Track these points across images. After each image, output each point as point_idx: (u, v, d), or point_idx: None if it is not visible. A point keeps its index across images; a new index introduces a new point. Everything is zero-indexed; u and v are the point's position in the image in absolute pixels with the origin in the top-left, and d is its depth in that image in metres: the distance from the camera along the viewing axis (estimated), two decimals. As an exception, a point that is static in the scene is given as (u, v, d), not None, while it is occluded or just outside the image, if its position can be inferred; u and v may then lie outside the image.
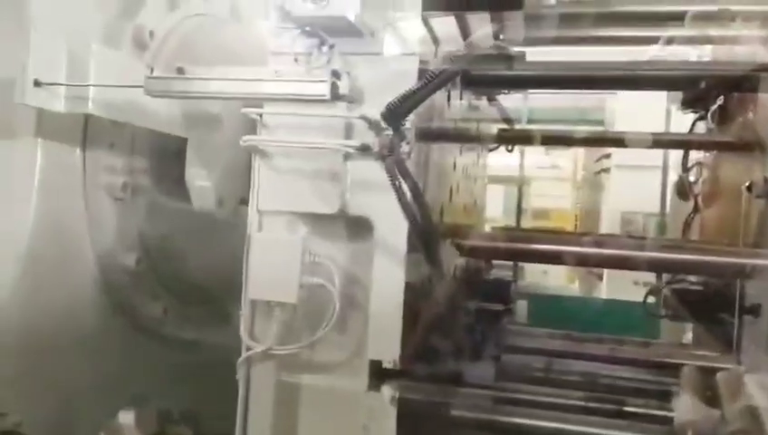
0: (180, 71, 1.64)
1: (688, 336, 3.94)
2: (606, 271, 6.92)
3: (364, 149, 1.53)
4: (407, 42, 1.66)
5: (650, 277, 5.37)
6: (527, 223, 9.09)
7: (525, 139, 4.20)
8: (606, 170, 7.36)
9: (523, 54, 2.66)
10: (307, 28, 1.57)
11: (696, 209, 3.37)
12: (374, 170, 1.48)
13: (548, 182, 10.22)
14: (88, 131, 1.91)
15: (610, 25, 3.39)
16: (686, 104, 3.21)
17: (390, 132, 1.48)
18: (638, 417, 1.87)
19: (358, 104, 1.59)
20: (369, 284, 1.61)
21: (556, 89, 5.23)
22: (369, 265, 1.61)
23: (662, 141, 3.51)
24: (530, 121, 7.11)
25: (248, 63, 1.69)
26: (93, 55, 1.71)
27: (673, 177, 6.32)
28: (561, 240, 1.97)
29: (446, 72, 1.50)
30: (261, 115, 1.64)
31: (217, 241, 1.96)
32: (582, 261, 2.04)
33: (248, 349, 1.66)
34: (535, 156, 8.64)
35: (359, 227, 1.64)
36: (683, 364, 2.33)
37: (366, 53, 1.60)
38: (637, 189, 6.76)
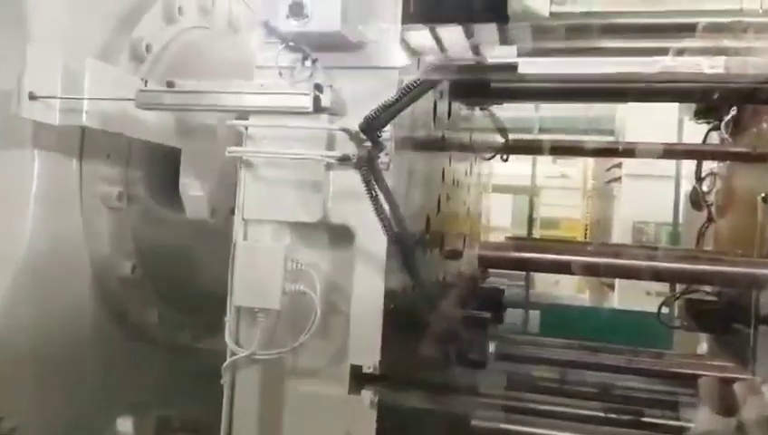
0: (170, 84, 1.69)
1: (702, 347, 3.93)
2: (617, 281, 6.90)
3: (344, 160, 1.57)
4: (393, 53, 1.67)
5: (663, 287, 5.37)
6: (536, 233, 9.08)
7: (536, 148, 4.21)
8: (617, 180, 7.34)
9: (509, 65, 2.71)
10: (290, 43, 1.61)
11: (709, 219, 3.37)
12: (355, 180, 1.51)
13: (557, 191, 10.21)
14: (85, 142, 1.95)
15: (620, 37, 3.40)
16: (700, 114, 3.22)
17: (369, 144, 1.52)
18: (655, 427, 1.87)
19: (340, 116, 1.63)
20: (351, 290, 1.65)
21: (568, 101, 5.25)
22: (351, 273, 1.65)
23: (675, 152, 3.52)
24: (540, 131, 7.12)
25: (245, 76, 1.73)
26: (88, 69, 1.75)
27: (686, 186, 6.32)
28: (575, 250, 1.98)
29: (423, 84, 1.54)
30: (246, 127, 1.69)
31: (211, 249, 1.98)
32: (597, 271, 2.04)
33: (233, 354, 1.71)
34: (543, 165, 8.64)
35: (341, 236, 1.67)
36: (699, 375, 2.32)
37: (348, 66, 1.64)
38: (649, 199, 6.74)
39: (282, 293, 1.64)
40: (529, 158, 7.95)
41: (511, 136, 3.74)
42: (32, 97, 1.66)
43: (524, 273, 8.44)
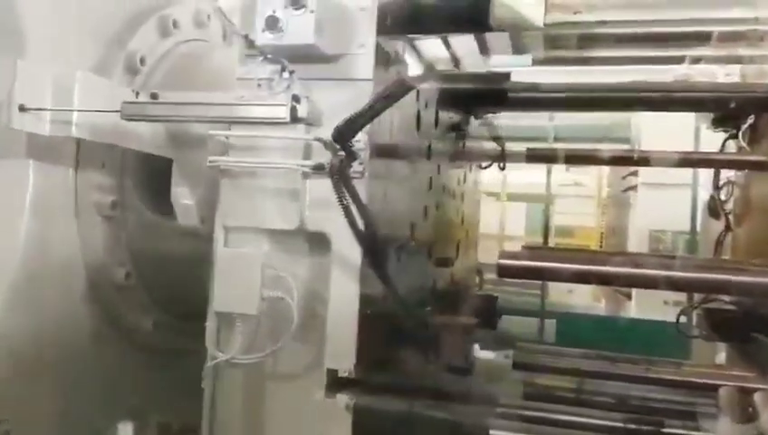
0: (154, 96, 1.75)
1: (720, 357, 3.90)
2: (635, 290, 6.86)
3: (318, 169, 1.62)
4: (369, 65, 1.72)
5: (680, 297, 5.33)
6: (550, 241, 9.04)
7: (551, 157, 4.20)
8: (633, 188, 7.31)
9: (502, 74, 2.77)
10: (268, 56, 1.68)
11: (727, 228, 3.35)
12: (331, 189, 1.56)
13: (571, 200, 10.18)
14: (80, 152, 2.01)
15: (635, 46, 3.41)
16: (717, 123, 3.20)
17: (342, 153, 1.57)
18: (676, 438, 1.86)
19: (317, 126, 1.67)
20: (327, 296, 1.69)
21: (584, 110, 5.25)
22: (328, 279, 1.70)
23: (692, 160, 3.50)
24: (555, 140, 7.11)
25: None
26: (77, 81, 1.80)
27: (703, 194, 6.28)
28: (596, 259, 1.98)
29: (393, 94, 1.59)
30: (227, 137, 1.74)
31: (203, 256, 2.03)
32: (619, 281, 2.04)
33: (214, 358, 1.76)
34: (556, 173, 8.62)
35: (317, 242, 1.72)
36: (719, 385, 2.31)
37: (325, 78, 1.69)
38: (665, 207, 6.71)
39: (260, 299, 1.70)
40: (541, 166, 7.94)
41: (526, 145, 3.74)
42: (21, 109, 1.72)
43: (534, 281, 8.46)
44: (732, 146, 3.31)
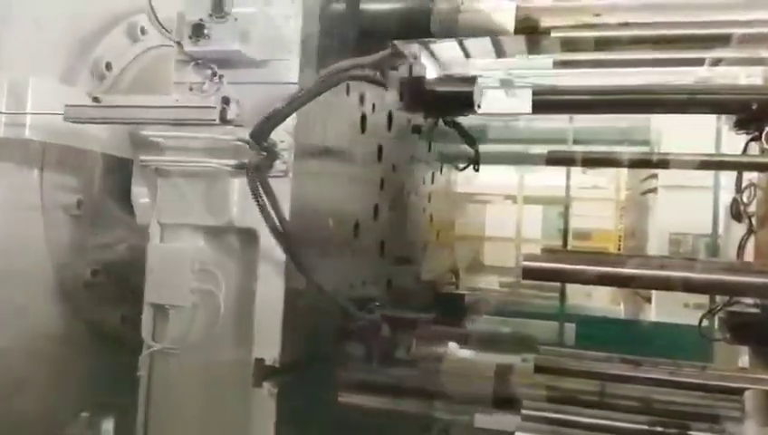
0: (95, 99, 1.82)
1: (743, 360, 3.87)
2: (655, 293, 6.82)
3: (240, 168, 1.71)
4: (295, 70, 1.82)
5: (701, 299, 5.29)
6: (567, 245, 9.00)
7: (571, 160, 4.19)
8: (653, 190, 7.26)
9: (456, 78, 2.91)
10: (199, 61, 1.78)
11: (750, 231, 3.32)
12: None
13: (588, 203, 10.12)
14: (46, 153, 2.08)
15: (655, 48, 3.39)
16: (739, 125, 3.18)
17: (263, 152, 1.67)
18: (702, 441, 1.85)
19: (247, 128, 1.73)
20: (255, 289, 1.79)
21: (604, 112, 5.23)
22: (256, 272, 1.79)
23: (713, 163, 3.48)
24: (574, 142, 7.08)
25: None
26: (31, 85, 1.90)
27: (724, 197, 6.23)
28: (619, 262, 1.98)
29: (305, 93, 1.67)
30: (162, 137, 1.83)
31: None
32: (643, 283, 2.04)
33: (148, 347, 1.86)
34: (574, 175, 8.57)
35: (248, 238, 1.80)
36: (745, 388, 2.29)
37: (253, 82, 1.78)
38: (686, 210, 6.66)
39: (190, 291, 1.81)
40: (557, 169, 7.92)
41: (545, 147, 3.74)
42: None
43: (551, 285, 8.43)
44: (754, 148, 3.29)
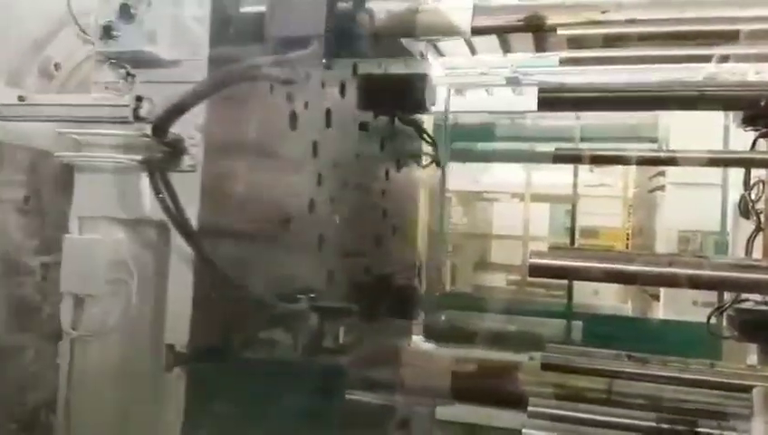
0: (21, 98, 1.91)
1: (752, 358, 3.85)
2: (663, 291, 6.79)
3: (145, 163, 1.79)
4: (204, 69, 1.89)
5: (710, 297, 5.27)
6: (575, 242, 8.98)
7: (579, 157, 4.18)
8: (661, 188, 7.23)
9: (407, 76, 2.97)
10: (112, 60, 1.88)
11: (758, 228, 3.31)
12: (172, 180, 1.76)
13: (596, 200, 10.08)
14: None
15: (662, 45, 3.38)
16: (747, 121, 3.17)
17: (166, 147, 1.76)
18: (711, 439, 1.85)
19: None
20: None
21: (613, 109, 5.21)
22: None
23: (722, 160, 3.47)
24: (582, 140, 7.06)
25: None
26: None
27: (733, 194, 6.20)
28: (628, 259, 1.97)
29: (197, 92, 1.74)
30: (78, 134, 1.91)
31: None
32: (649, 280, 2.03)
33: (67, 335, 1.94)
34: (581, 173, 8.55)
35: (160, 231, 1.88)
36: (753, 386, 2.29)
37: (165, 81, 1.85)
38: (694, 208, 6.63)
39: (103, 281, 1.89)
40: (564, 166, 7.90)
41: (552, 145, 3.74)
42: None
43: (558, 284, 8.42)
44: (763, 145, 3.27)
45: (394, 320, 3.29)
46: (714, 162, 3.35)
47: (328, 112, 2.59)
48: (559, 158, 3.47)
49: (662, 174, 7.11)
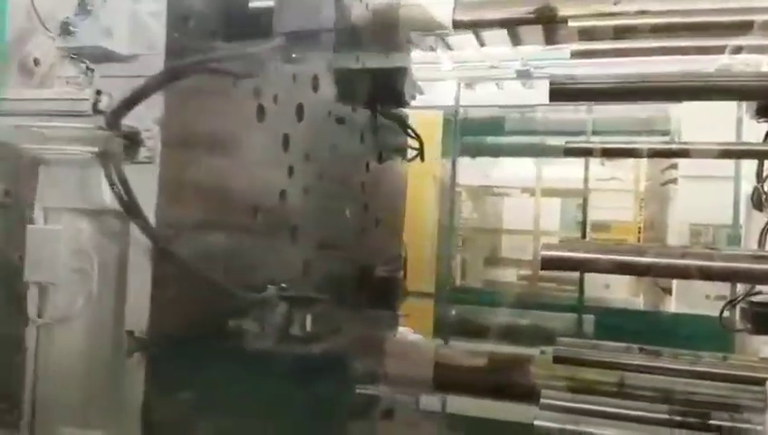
0: None
1: (765, 351, 3.83)
2: (675, 285, 6.76)
3: (99, 155, 1.84)
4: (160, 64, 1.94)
5: (723, 290, 5.24)
6: (586, 237, 8.93)
7: (590, 151, 4.16)
8: (673, 181, 7.18)
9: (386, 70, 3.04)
10: (73, 56, 1.94)
11: (772, 220, 3.28)
12: (129, 172, 1.83)
13: (607, 194, 10.02)
14: None
15: (674, 36, 3.35)
16: (761, 113, 3.14)
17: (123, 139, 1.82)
18: (724, 431, 1.84)
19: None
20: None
21: (625, 101, 5.19)
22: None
23: (735, 152, 3.44)
24: (593, 134, 7.03)
25: None
26: None
27: (746, 187, 6.14)
28: (641, 251, 1.96)
29: (148, 85, 1.81)
30: (41, 128, 1.96)
31: None
32: (661, 271, 2.02)
33: (33, 322, 2.01)
34: (591, 167, 8.49)
35: (120, 220, 1.94)
36: (766, 378, 2.27)
37: (124, 75, 1.91)
38: (706, 200, 6.58)
39: (65, 270, 1.95)
40: (575, 160, 7.87)
41: (563, 139, 3.72)
42: None
43: (570, 278, 8.38)
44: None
45: (376, 310, 3.38)
46: (726, 154, 3.33)
47: (300, 106, 2.64)
48: (570, 151, 3.46)
49: (674, 167, 7.07)
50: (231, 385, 2.21)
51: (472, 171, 9.35)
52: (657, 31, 3.11)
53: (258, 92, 2.34)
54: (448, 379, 3.09)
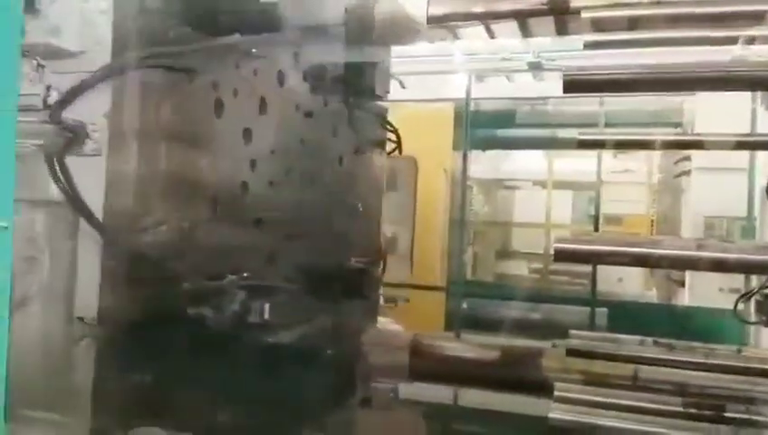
0: None
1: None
2: (689, 278, 6.71)
3: (43, 148, 1.90)
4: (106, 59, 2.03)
5: (736, 283, 5.20)
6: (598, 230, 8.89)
7: (603, 143, 4.14)
8: (686, 173, 7.13)
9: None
10: (26, 52, 1.96)
11: (787, 212, 3.26)
12: (78, 164, 1.90)
13: (619, 187, 9.97)
14: None
15: (687, 26, 3.32)
16: (776, 103, 3.11)
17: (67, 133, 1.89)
18: (738, 422, 1.83)
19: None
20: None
21: (641, 91, 5.13)
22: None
23: (749, 143, 3.41)
24: (606, 126, 6.98)
25: None
26: None
27: (759, 179, 6.09)
28: (655, 243, 1.95)
29: (89, 79, 1.88)
30: None
31: None
32: (675, 264, 2.01)
33: None
34: (604, 159, 8.44)
35: (71, 211, 1.99)
36: (782, 371, 2.26)
37: (73, 71, 1.97)
38: (720, 192, 6.53)
39: (18, 258, 1.95)
40: (587, 153, 7.82)
41: (575, 131, 3.70)
42: None
43: (582, 271, 8.36)
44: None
45: (350, 301, 3.45)
46: (740, 145, 3.29)
47: (263, 100, 2.69)
48: (583, 143, 3.44)
49: (687, 159, 7.01)
50: (182, 370, 2.27)
51: (483, 165, 9.33)
52: (670, 21, 3.08)
53: (216, 87, 2.39)
54: (424, 368, 3.13)
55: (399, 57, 7.32)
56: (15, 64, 1.61)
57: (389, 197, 7.51)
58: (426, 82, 8.11)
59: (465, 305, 7.58)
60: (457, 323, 7.43)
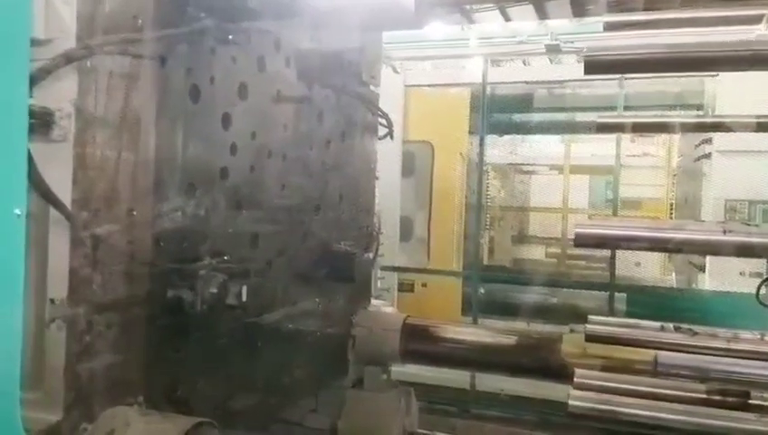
0: None
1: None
2: (709, 262, 6.64)
3: None
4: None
5: (758, 268, 5.13)
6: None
7: (622, 127, 4.08)
8: (707, 156, 7.02)
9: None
10: None
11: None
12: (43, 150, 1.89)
13: (637, 171, 9.85)
14: None
15: (707, 6, 3.25)
16: (801, 84, 3.04)
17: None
18: (765, 410, 1.80)
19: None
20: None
21: (663, 72, 5.05)
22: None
23: (773, 124, 3.34)
24: (625, 109, 6.88)
25: None
26: None
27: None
28: (676, 227, 1.91)
29: (49, 64, 1.88)
30: None
31: None
32: (697, 248, 1.97)
33: None
34: (622, 143, 8.33)
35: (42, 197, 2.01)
36: (807, 357, 2.22)
37: (42, 59, 1.95)
38: (742, 176, 6.44)
39: None
40: (604, 137, 7.73)
41: (594, 115, 3.65)
42: None
43: (600, 255, 8.28)
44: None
45: (339, 284, 3.52)
46: (763, 127, 3.23)
47: (242, 86, 2.71)
48: (602, 127, 3.39)
49: (708, 142, 6.90)
50: (154, 351, 2.33)
51: (500, 149, 9.27)
52: (688, 1, 3.02)
53: (191, 73, 2.41)
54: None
55: (415, 42, 7.30)
56: (25, 58, 1.61)
57: (406, 182, 7.50)
58: (442, 68, 8.06)
59: (482, 290, 7.56)
60: (475, 307, 7.41)
